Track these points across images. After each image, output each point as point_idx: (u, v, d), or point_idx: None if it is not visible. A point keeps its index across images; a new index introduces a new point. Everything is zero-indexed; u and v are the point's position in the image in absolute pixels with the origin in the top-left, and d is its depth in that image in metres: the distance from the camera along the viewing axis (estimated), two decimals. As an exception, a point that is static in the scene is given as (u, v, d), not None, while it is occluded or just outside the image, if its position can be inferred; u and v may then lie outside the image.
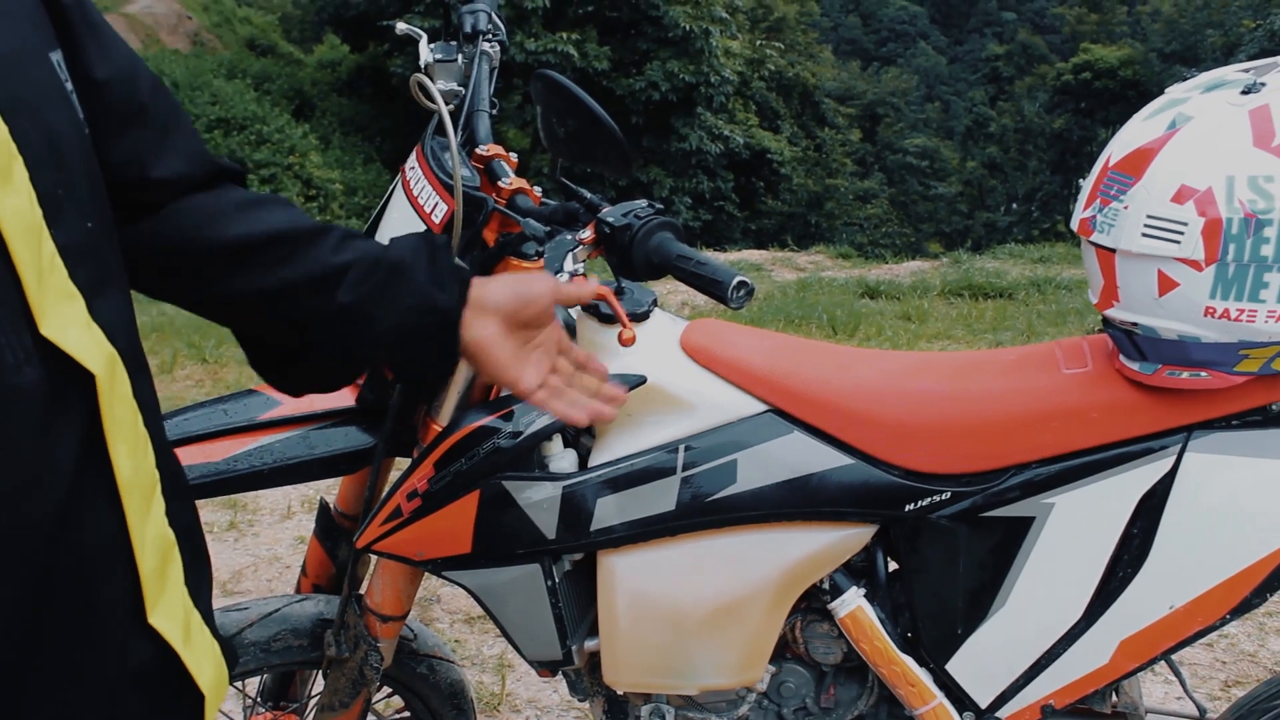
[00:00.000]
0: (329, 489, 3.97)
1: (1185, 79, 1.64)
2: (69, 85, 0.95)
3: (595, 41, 23.98)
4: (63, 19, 0.99)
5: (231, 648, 1.15)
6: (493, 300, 1.30)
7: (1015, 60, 61.92)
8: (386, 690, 2.16)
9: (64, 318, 0.86)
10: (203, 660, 1.04)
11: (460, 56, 1.92)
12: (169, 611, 0.99)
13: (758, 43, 31.69)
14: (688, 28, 24.25)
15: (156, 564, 0.97)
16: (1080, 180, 1.62)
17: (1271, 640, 3.35)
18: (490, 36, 1.96)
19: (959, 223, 45.01)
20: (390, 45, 25.09)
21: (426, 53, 1.91)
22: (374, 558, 1.91)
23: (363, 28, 26.87)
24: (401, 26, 1.99)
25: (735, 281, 1.48)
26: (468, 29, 1.95)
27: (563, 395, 1.35)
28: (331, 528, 2.03)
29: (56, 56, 0.95)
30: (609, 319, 1.70)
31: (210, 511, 4.36)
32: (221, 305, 1.23)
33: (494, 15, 1.99)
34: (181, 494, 1.07)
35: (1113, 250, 1.51)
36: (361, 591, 1.95)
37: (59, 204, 0.88)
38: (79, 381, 0.88)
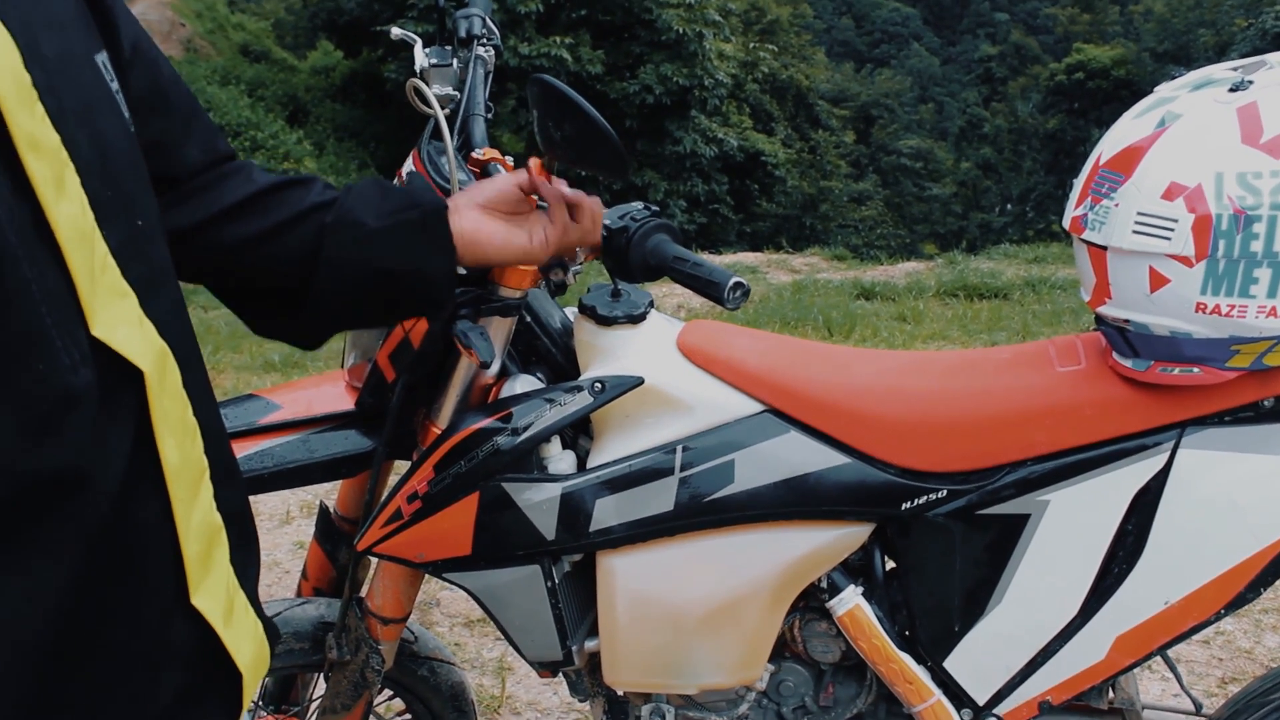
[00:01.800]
0: (329, 493, 3.98)
1: (1174, 76, 1.65)
2: (114, 85, 0.97)
3: (589, 45, 23.99)
4: (105, 18, 1.01)
5: (274, 627, 1.17)
6: (467, 198, 1.47)
7: (1008, 61, 61.98)
8: (388, 693, 2.17)
9: (116, 317, 0.89)
10: (243, 640, 1.07)
11: (455, 61, 1.93)
12: (212, 593, 1.02)
13: (751, 45, 31.71)
14: (681, 31, 24.26)
15: (201, 548, 1.00)
16: (1074, 180, 1.63)
17: (1267, 637, 3.36)
18: (485, 41, 1.97)
19: (954, 224, 45.04)
20: (384, 51, 25.10)
21: (422, 58, 1.92)
22: (374, 560, 1.92)
23: (356, 33, 26.87)
24: (396, 32, 2.00)
25: (731, 283, 1.50)
26: (462, 34, 1.96)
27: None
28: (331, 531, 2.04)
29: (102, 58, 0.97)
30: (605, 320, 1.71)
31: (209, 518, 4.36)
32: (219, 257, 1.29)
33: (488, 20, 2.00)
34: (231, 480, 1.10)
35: (1104, 247, 1.53)
36: (362, 594, 1.96)
37: (109, 206, 0.90)
38: (130, 378, 0.91)
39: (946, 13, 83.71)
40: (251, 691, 1.10)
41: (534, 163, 1.51)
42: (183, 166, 1.21)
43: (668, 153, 25.26)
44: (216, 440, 1.06)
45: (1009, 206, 47.64)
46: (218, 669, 1.05)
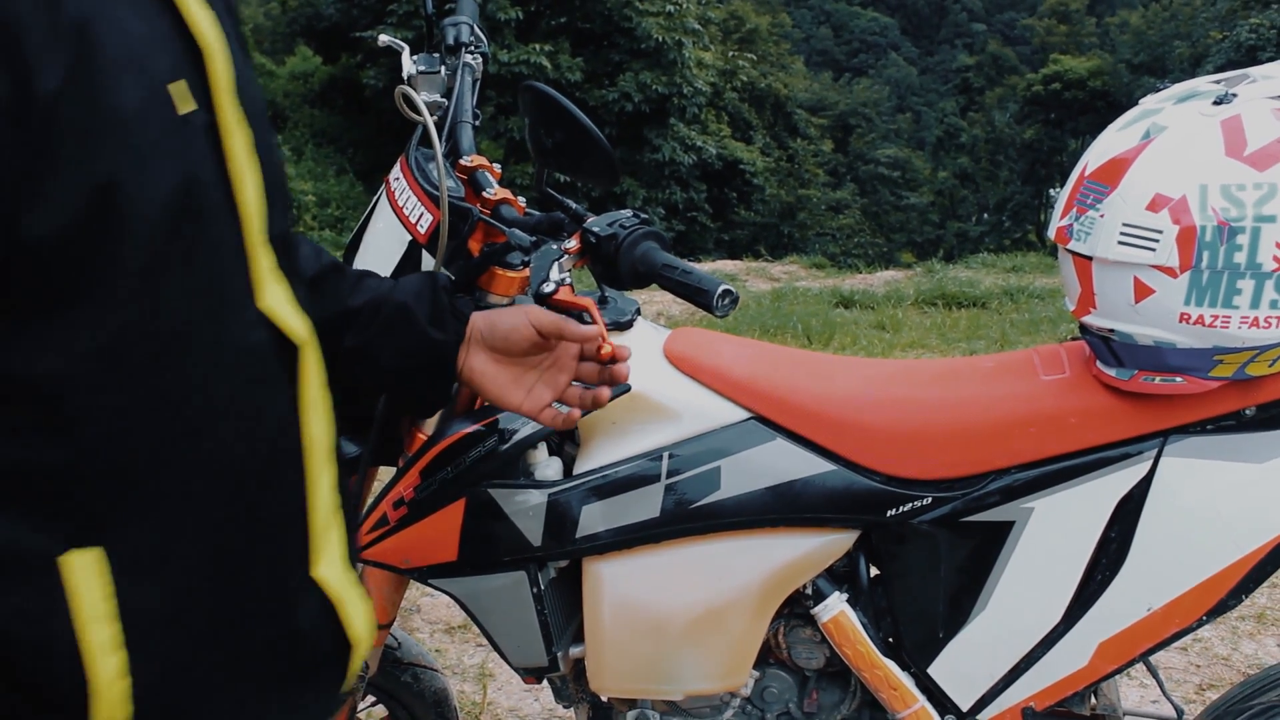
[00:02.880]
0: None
1: (1155, 90, 1.67)
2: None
3: (568, 53, 24.00)
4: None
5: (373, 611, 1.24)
6: (483, 335, 1.46)
7: (985, 71, 62.29)
8: (371, 699, 2.17)
9: (276, 296, 1.02)
10: (356, 613, 1.14)
11: (443, 68, 1.93)
12: (330, 566, 1.10)
13: (730, 54, 31.81)
14: (660, 39, 24.30)
15: (323, 522, 1.09)
16: (1051, 190, 1.65)
17: (1244, 644, 3.39)
18: (473, 48, 1.97)
19: (931, 233, 45.25)
20: (363, 57, 25.07)
21: (409, 64, 1.92)
22: (359, 566, 1.91)
23: (335, 39, 26.84)
24: (384, 39, 2.01)
25: (720, 290, 1.50)
26: (450, 41, 1.96)
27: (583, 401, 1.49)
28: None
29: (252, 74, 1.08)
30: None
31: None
32: None
33: (476, 27, 2.00)
34: (339, 464, 1.16)
35: (1089, 258, 1.54)
36: (346, 600, 1.95)
37: (270, 202, 1.02)
38: (286, 351, 1.03)
39: (924, 23, 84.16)
40: (358, 664, 1.18)
41: (585, 301, 1.54)
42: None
43: (646, 160, 25.28)
44: (332, 427, 1.14)
45: (986, 216, 47.90)
46: (333, 638, 1.12)
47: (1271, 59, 1.78)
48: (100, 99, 0.84)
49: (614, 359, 1.46)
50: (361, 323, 1.40)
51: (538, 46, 22.98)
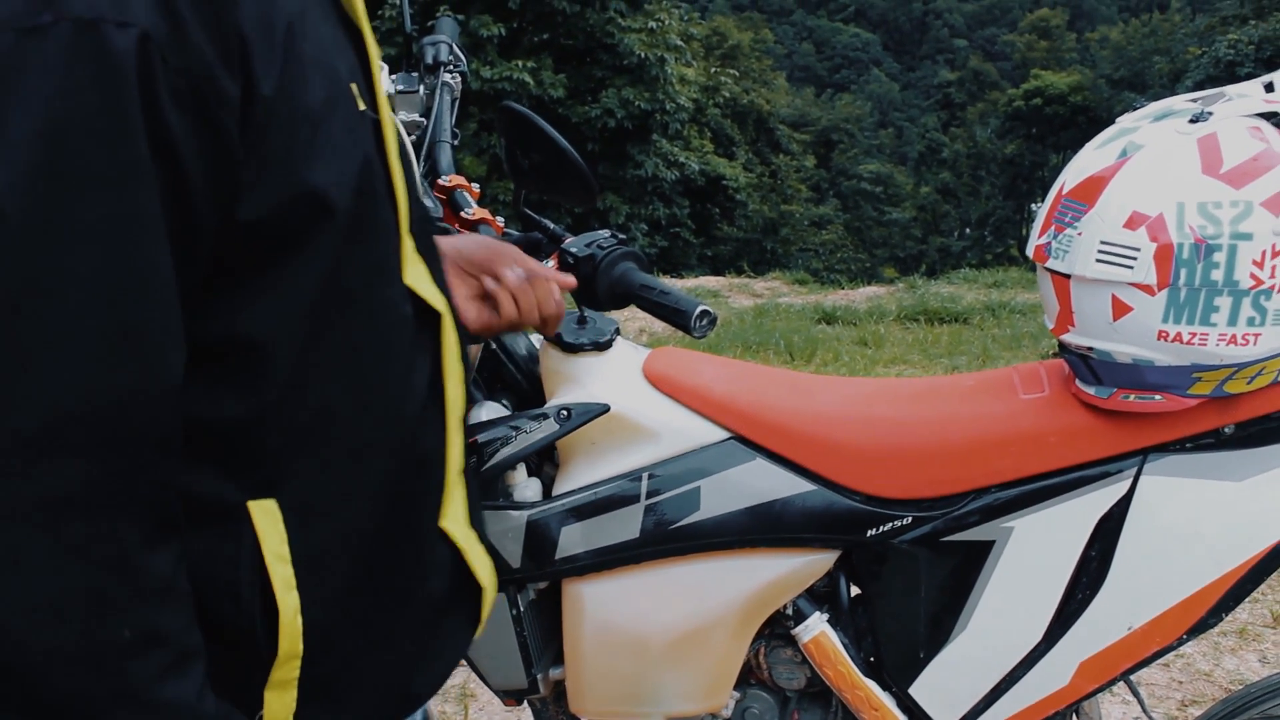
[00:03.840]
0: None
1: (1135, 106, 1.67)
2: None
3: (551, 69, 23.99)
4: None
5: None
6: (451, 246, 1.55)
7: (967, 87, 62.63)
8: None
9: (418, 275, 1.14)
10: (481, 562, 1.27)
11: (422, 88, 1.93)
12: (455, 519, 1.22)
13: (712, 70, 31.88)
14: (643, 55, 24.31)
15: (453, 480, 1.22)
16: (1033, 205, 1.66)
17: (1226, 660, 3.38)
18: (452, 68, 1.97)
19: (913, 248, 45.40)
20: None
21: (388, 84, 1.92)
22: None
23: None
24: (363, 58, 2.00)
25: (698, 311, 1.50)
26: (429, 60, 1.96)
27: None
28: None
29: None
30: (571, 348, 1.71)
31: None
32: None
33: (455, 47, 2.00)
34: (466, 431, 1.28)
35: (1068, 276, 1.54)
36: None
37: (409, 190, 1.15)
38: (430, 323, 1.17)
39: (906, 39, 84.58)
40: (488, 609, 1.31)
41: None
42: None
43: (629, 176, 25.28)
44: (464, 392, 1.25)
45: (968, 231, 48.08)
46: (465, 585, 1.26)
47: (1250, 74, 1.79)
48: (304, 96, 0.97)
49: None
50: None
51: (520, 63, 22.97)
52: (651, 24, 25.14)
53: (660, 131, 25.73)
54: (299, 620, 1.03)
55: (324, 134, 0.98)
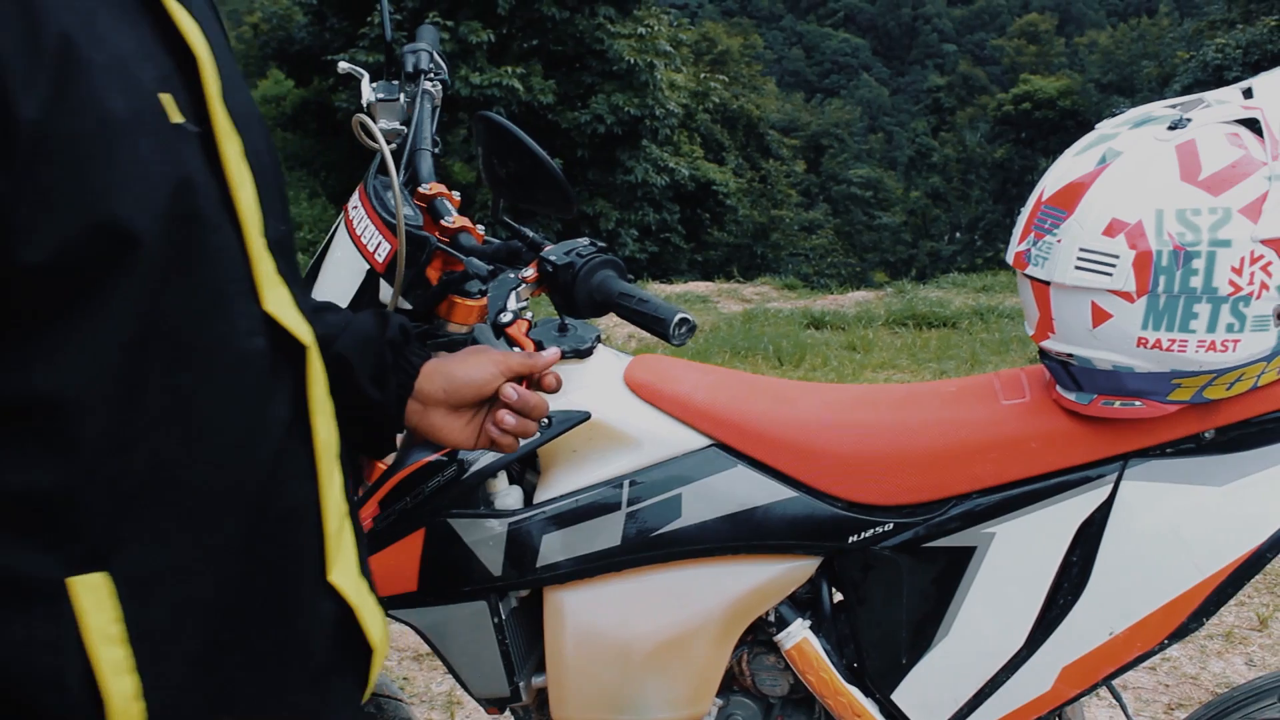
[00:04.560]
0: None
1: (1115, 111, 1.68)
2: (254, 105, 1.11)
3: (540, 75, 24.00)
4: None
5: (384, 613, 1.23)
6: (433, 393, 1.36)
7: (956, 91, 62.74)
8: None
9: (279, 300, 1.02)
10: (373, 618, 1.15)
11: (402, 95, 1.93)
12: (345, 571, 1.11)
13: (702, 76, 31.84)
14: (632, 61, 24.33)
15: (336, 526, 1.10)
16: (1023, 209, 1.65)
17: (1212, 663, 3.39)
18: (432, 75, 1.96)
19: (903, 252, 45.45)
20: (334, 80, 25.00)
21: (368, 92, 1.91)
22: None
23: (306, 62, 26.83)
24: (344, 66, 1.99)
25: (677, 319, 1.50)
26: (409, 68, 1.96)
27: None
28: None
29: (240, 80, 1.09)
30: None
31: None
32: None
33: (435, 54, 2.00)
34: (347, 469, 1.16)
35: (1047, 283, 1.54)
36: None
37: (267, 205, 1.04)
38: (291, 355, 1.04)
39: (895, 44, 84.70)
40: (378, 669, 1.19)
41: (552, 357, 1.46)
42: None
43: (619, 182, 25.28)
44: (338, 429, 1.14)
45: (958, 235, 48.16)
46: (355, 644, 1.14)
47: (1238, 78, 1.79)
48: (89, 113, 0.85)
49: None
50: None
51: (510, 69, 22.97)
52: (641, 30, 25.19)
53: (650, 137, 25.73)
54: (137, 706, 0.91)
55: (122, 155, 0.87)
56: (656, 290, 10.84)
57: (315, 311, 1.32)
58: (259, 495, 1.00)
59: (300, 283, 1.11)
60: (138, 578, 0.91)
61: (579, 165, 24.04)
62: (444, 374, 1.37)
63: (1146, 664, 3.32)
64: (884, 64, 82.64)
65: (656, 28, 26.00)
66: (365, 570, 1.17)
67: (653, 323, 1.52)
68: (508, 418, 1.36)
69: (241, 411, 0.98)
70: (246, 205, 0.99)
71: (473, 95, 21.62)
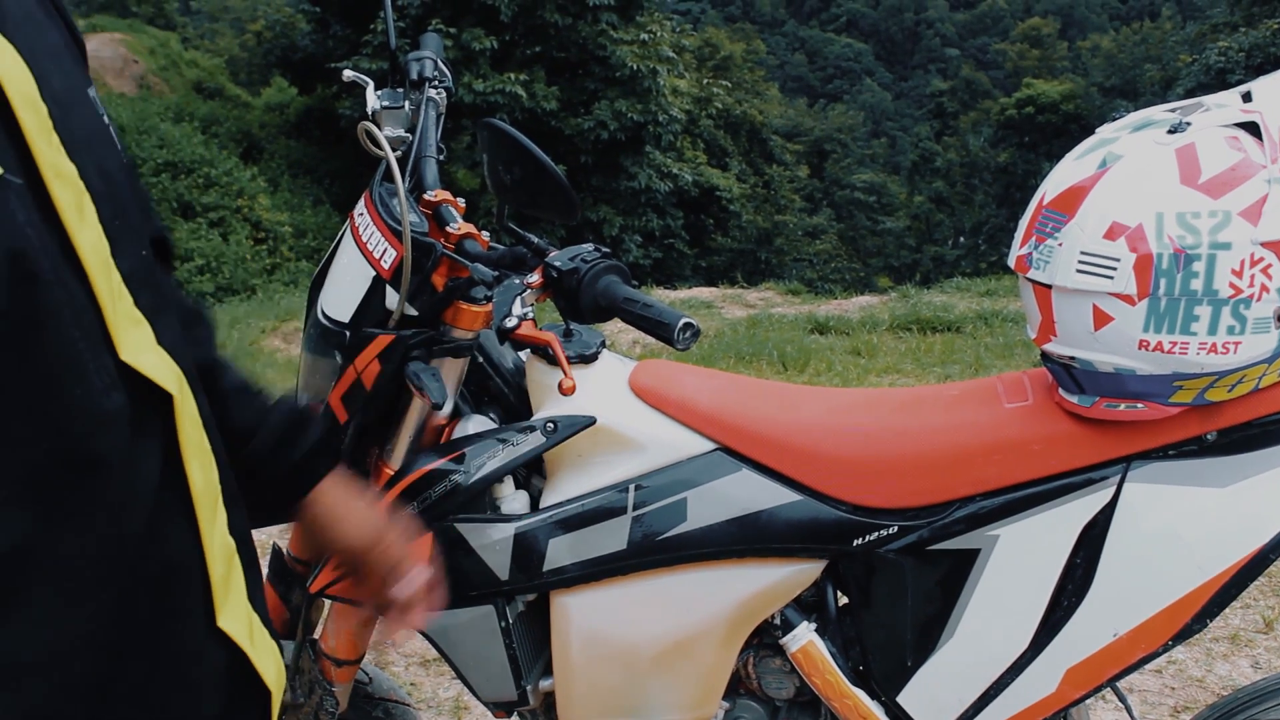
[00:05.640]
0: (282, 534, 3.95)
1: (1114, 115, 1.68)
2: (106, 119, 0.99)
3: (543, 82, 23.99)
4: (84, 56, 1.02)
5: (282, 647, 1.19)
6: (316, 526, 1.36)
7: (959, 96, 62.64)
8: (342, 735, 2.15)
9: (137, 343, 0.92)
10: (266, 659, 1.09)
11: (407, 103, 1.94)
12: (235, 615, 1.04)
13: (705, 81, 31.87)
14: (635, 67, 24.32)
15: (223, 571, 1.03)
16: (1024, 213, 1.66)
17: (1219, 665, 3.39)
18: (436, 83, 1.98)
19: (907, 257, 45.40)
20: (338, 88, 25.04)
21: (373, 99, 1.93)
22: (327, 602, 1.91)
23: (310, 70, 26.84)
24: (349, 74, 2.01)
25: (681, 323, 1.51)
26: (414, 76, 1.97)
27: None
28: (285, 573, 2.03)
29: (92, 91, 0.99)
30: (557, 360, 1.72)
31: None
32: None
33: (439, 62, 2.01)
34: (237, 503, 1.10)
35: (1049, 286, 1.55)
36: (316, 636, 1.95)
37: (119, 235, 0.92)
38: (156, 403, 0.94)
39: (898, 48, 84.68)
40: (277, 708, 1.13)
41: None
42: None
43: (622, 188, 25.26)
44: (223, 465, 1.07)
45: (962, 239, 48.06)
46: (250, 689, 1.08)
47: (1241, 81, 1.80)
48: None
49: (571, 393, 1.47)
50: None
51: (513, 76, 22.96)
52: (643, 36, 25.17)
53: (653, 143, 25.72)
54: None
55: None
56: (660, 296, 10.84)
57: (238, 395, 1.27)
58: (134, 559, 0.92)
59: (168, 306, 1.02)
60: (5, 668, 0.84)
61: (582, 171, 24.04)
62: (328, 516, 1.36)
63: (1152, 666, 3.33)
64: (887, 69, 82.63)
65: (659, 34, 25.99)
66: (258, 602, 1.12)
67: (657, 327, 1.53)
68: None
69: (106, 479, 0.88)
70: (89, 248, 0.87)
71: (476, 102, 21.63)
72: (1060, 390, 1.66)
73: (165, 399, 0.94)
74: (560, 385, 1.56)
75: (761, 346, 7.63)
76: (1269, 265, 1.46)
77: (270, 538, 4.19)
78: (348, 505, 1.37)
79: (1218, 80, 25.98)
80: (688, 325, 1.52)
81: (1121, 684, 1.78)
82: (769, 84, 52.63)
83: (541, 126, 22.73)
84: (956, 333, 8.36)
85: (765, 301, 10.77)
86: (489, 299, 1.65)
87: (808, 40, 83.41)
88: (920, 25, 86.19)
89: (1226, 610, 3.74)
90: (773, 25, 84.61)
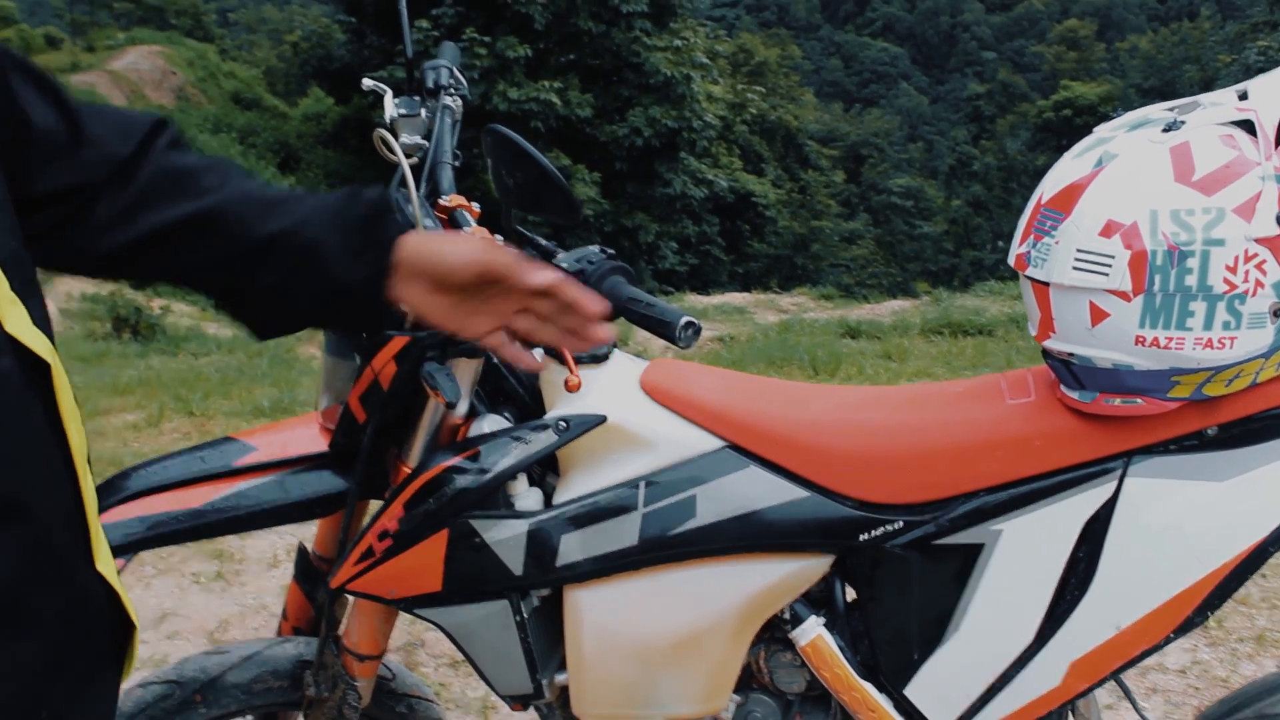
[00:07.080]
0: (309, 533, 4.00)
1: (1111, 116, 1.71)
2: None
3: (578, 89, 24.10)
4: None
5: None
6: (417, 264, 1.27)
7: (996, 99, 62.37)
8: (366, 730, 2.19)
9: (18, 320, 0.99)
10: (128, 600, 1.16)
11: (424, 111, 1.99)
12: (105, 559, 1.12)
13: (739, 87, 31.94)
14: (669, 74, 24.39)
15: (95, 521, 1.10)
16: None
17: (1244, 665, 3.39)
18: (452, 91, 2.02)
19: (946, 261, 45.23)
20: (373, 97, 25.18)
21: (391, 108, 1.97)
22: (350, 598, 1.95)
23: (346, 80, 27.03)
24: (368, 83, 2.06)
25: (683, 322, 1.54)
26: (430, 84, 2.01)
27: (536, 332, 1.34)
28: (310, 571, 2.07)
29: None
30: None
31: (197, 562, 4.39)
32: (155, 276, 1.29)
33: (455, 70, 2.05)
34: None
35: (1047, 283, 1.58)
36: (339, 632, 1.99)
37: None
38: (36, 371, 1.01)
39: (934, 52, 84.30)
40: (138, 644, 1.21)
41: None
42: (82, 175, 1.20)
43: (658, 194, 25.32)
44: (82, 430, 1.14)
45: (1000, 243, 47.79)
46: (122, 625, 1.16)
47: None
48: None
49: (576, 389, 1.45)
50: (272, 262, 1.23)
51: (547, 83, 23.07)
52: (677, 42, 25.24)
53: (688, 149, 25.78)
54: None
55: None
56: (692, 302, 10.86)
57: (280, 201, 1.26)
58: (25, 507, 0.99)
59: (38, 294, 1.07)
60: None
61: (617, 178, 24.10)
62: (430, 246, 1.28)
63: (1176, 667, 3.33)
64: (923, 72, 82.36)
65: (693, 40, 26.06)
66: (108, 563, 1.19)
67: (659, 326, 1.56)
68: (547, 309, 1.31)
69: (3, 427, 0.97)
70: None
71: (511, 110, 21.73)
72: (1061, 386, 1.68)
73: (44, 368, 1.02)
74: (566, 383, 1.60)
75: (793, 351, 7.66)
76: (1263, 261, 1.47)
77: (298, 538, 4.24)
78: (437, 236, 1.31)
79: (1256, 80, 25.72)
80: (689, 324, 1.55)
81: (1145, 684, 1.79)
82: (804, 89, 52.58)
83: (576, 134, 22.81)
84: (988, 336, 8.36)
85: (798, 306, 10.80)
86: None
87: (843, 45, 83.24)
88: (956, 28, 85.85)
89: (1252, 610, 3.75)
90: (808, 30, 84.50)
